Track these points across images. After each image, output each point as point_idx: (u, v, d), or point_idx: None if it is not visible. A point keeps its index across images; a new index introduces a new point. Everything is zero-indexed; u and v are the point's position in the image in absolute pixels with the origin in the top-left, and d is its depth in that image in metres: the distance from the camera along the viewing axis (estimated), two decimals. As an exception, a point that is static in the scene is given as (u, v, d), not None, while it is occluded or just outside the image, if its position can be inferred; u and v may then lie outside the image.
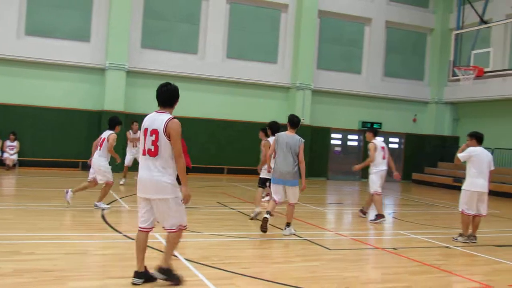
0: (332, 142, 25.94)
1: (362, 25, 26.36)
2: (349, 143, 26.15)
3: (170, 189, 5.78)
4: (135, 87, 21.60)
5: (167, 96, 5.94)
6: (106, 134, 11.46)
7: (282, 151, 9.52)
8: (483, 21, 19.95)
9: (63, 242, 7.92)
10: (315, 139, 24.63)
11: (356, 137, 26.08)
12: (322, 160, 25.23)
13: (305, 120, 23.98)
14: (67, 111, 20.88)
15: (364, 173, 22.18)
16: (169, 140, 5.75)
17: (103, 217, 10.23)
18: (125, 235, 8.61)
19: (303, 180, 9.56)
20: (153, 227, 6.03)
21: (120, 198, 13.10)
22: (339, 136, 26.08)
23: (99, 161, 11.35)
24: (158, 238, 8.15)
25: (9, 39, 20.04)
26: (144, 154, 5.90)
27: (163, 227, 5.98)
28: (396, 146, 27.38)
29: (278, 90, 24.49)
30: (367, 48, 26.42)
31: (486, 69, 18.24)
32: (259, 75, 23.84)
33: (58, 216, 10.14)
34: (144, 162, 5.89)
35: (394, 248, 9.06)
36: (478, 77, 18.60)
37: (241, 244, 8.77)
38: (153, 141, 5.80)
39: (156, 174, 5.78)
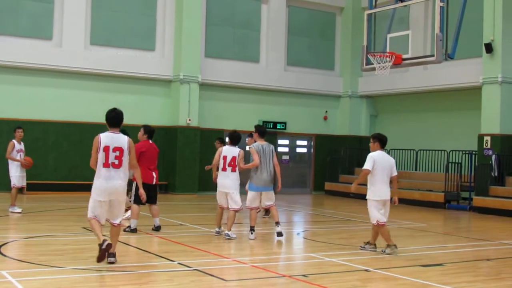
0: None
1: (258, 2, 26.79)
2: (247, 148, 26.32)
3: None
4: None
5: (120, 119, 9.38)
6: (232, 150, 13.05)
7: (266, 160, 12.79)
8: (399, -1, 20.80)
9: None
10: (206, 144, 24.50)
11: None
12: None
13: (193, 121, 24.02)
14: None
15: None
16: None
17: None
18: None
19: (279, 182, 12.82)
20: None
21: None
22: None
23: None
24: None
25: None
26: (106, 166, 9.10)
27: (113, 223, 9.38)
28: (304, 150, 27.97)
29: (157, 84, 24.40)
30: (265, 31, 26.88)
31: (404, 56, 19.03)
32: (132, 65, 23.64)
33: None
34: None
35: (304, 275, 9.20)
36: (396, 65, 19.34)
37: (116, 279, 8.65)
38: (117, 156, 9.12)
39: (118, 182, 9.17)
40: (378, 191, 11.29)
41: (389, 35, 20.09)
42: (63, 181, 22.27)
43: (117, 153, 9.13)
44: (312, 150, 28.24)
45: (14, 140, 16.02)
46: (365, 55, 20.37)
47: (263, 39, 26.88)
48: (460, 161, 23.28)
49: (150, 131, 13.45)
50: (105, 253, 9.03)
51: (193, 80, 24.22)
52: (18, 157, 15.97)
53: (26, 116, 21.94)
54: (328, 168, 27.85)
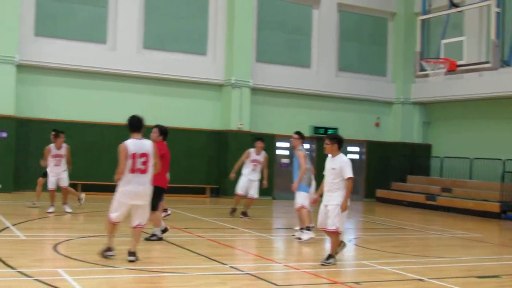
0: (278, 152, 26.09)
1: (309, 8, 26.74)
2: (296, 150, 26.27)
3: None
4: (24, 84, 21.47)
5: (142, 124, 9.81)
6: None
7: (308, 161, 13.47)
8: (453, 4, 20.54)
9: None
10: (255, 150, 24.69)
11: (306, 145, 26.36)
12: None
13: (244, 126, 24.10)
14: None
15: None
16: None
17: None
18: (20, 272, 8.44)
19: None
20: None
21: (13, 225, 12.84)
22: (286, 145, 26.25)
23: None
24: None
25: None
26: (133, 172, 9.54)
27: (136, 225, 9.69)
28: (356, 156, 27.79)
29: (209, 88, 24.54)
30: (317, 36, 26.81)
31: (459, 62, 18.79)
32: (184, 69, 23.83)
33: None
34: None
35: (356, 283, 9.15)
36: (450, 71, 19.12)
37: (169, 281, 8.75)
38: (143, 162, 9.55)
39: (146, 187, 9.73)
40: None
41: (443, 41, 19.89)
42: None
43: (143, 159, 9.58)
44: (363, 156, 28.04)
45: (51, 145, 16.01)
46: (418, 61, 20.19)
47: (314, 44, 26.82)
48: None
49: (165, 132, 12.67)
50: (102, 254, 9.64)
51: (244, 85, 24.29)
52: (54, 162, 15.88)
53: (80, 118, 22.29)
54: (379, 175, 27.61)
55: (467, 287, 9.30)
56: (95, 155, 22.42)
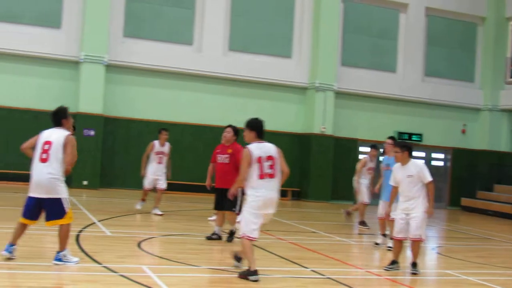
0: (361, 156, 25.81)
1: (396, 11, 26.45)
2: (381, 158, 25.98)
3: None
4: (112, 83, 22.09)
5: (264, 128, 9.19)
6: None
7: None
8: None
9: (31, 274, 7.94)
10: (339, 153, 24.58)
11: (389, 151, 26.04)
12: (348, 179, 25.07)
13: (327, 129, 23.99)
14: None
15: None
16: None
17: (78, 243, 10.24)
18: (105, 267, 8.61)
19: None
20: None
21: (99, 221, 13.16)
22: (369, 149, 25.97)
23: None
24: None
25: None
26: (262, 178, 8.75)
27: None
28: (440, 163, 27.29)
29: (293, 90, 24.57)
30: (403, 40, 26.49)
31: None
32: (268, 72, 23.92)
33: (24, 241, 10.12)
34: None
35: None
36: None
37: (250, 282, 8.75)
38: (270, 165, 8.82)
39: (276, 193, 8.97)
40: None
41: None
42: (198, 183, 22.83)
43: (270, 162, 8.85)
44: (448, 163, 27.47)
45: (155, 141, 15.76)
46: (509, 68, 19.68)
47: (400, 49, 26.48)
48: None
49: (238, 132, 12.10)
50: (246, 278, 8.58)
51: (328, 88, 24.20)
52: (156, 160, 15.61)
53: (164, 118, 22.63)
54: (465, 183, 26.99)
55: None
56: (177, 155, 22.65)
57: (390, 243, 11.85)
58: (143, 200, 15.83)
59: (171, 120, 22.75)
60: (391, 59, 26.44)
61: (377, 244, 12.94)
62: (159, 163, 15.62)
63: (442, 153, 27.48)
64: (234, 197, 9.95)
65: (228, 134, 12.17)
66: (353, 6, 25.65)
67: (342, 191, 24.75)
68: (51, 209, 8.50)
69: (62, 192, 8.55)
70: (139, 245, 10.65)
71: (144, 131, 22.03)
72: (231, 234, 11.87)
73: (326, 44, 24.35)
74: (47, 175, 8.48)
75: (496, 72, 26.87)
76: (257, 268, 8.50)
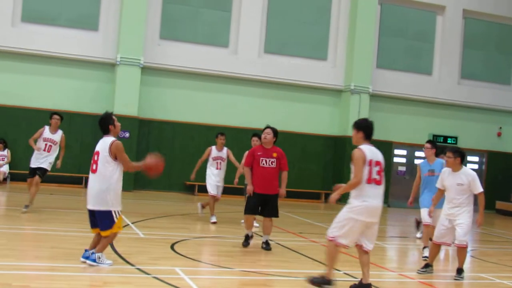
0: (395, 160, 25.72)
1: (433, 14, 26.26)
2: (416, 161, 25.86)
3: None
4: (147, 85, 22.23)
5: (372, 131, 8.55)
6: None
7: None
8: None
9: (63, 275, 8.03)
10: (373, 156, 24.47)
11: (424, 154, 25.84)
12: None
13: (361, 131, 23.88)
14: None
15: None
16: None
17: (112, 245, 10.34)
18: (138, 269, 8.69)
19: None
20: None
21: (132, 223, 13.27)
22: (404, 152, 25.88)
23: None
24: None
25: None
26: (369, 182, 8.14)
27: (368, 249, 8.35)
28: (475, 166, 27.04)
29: (328, 93, 24.52)
30: (440, 43, 26.27)
31: None
32: (304, 74, 23.92)
33: (57, 243, 10.28)
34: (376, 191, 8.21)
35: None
36: None
37: (283, 285, 8.78)
38: (378, 171, 8.22)
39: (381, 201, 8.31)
40: None
41: None
42: (228, 185, 22.90)
43: (378, 168, 8.27)
44: (483, 166, 27.18)
45: (212, 146, 15.08)
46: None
47: (436, 51, 26.28)
48: None
49: (277, 134, 11.64)
50: (320, 286, 8.21)
51: (363, 91, 24.10)
52: (215, 165, 14.97)
53: (199, 120, 22.79)
54: (500, 186, 26.68)
55: None
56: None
57: (426, 252, 11.52)
58: (204, 206, 15.39)
59: (206, 122, 22.87)
60: (427, 62, 26.25)
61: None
62: (218, 168, 14.95)
63: (477, 156, 27.21)
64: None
65: (268, 136, 11.40)
66: (389, 8, 25.52)
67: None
68: (100, 220, 8.56)
69: (110, 204, 8.56)
70: (172, 247, 10.71)
71: (178, 133, 22.22)
72: (265, 243, 11.41)
73: (361, 46, 24.27)
74: (95, 187, 8.55)
75: (535, 74, 26.56)
76: (331, 279, 8.12)
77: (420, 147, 25.36)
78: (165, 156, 21.20)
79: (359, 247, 8.43)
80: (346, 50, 24.58)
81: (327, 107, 24.60)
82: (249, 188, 11.26)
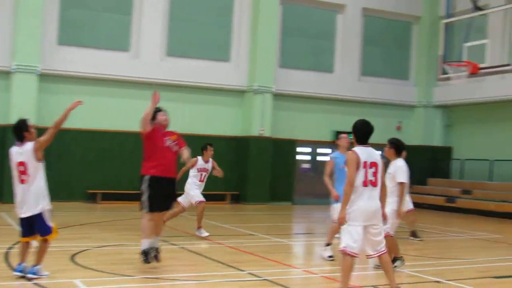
0: (299, 157, 26.02)
1: (334, 13, 26.66)
2: (319, 158, 26.27)
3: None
4: (46, 93, 21.47)
5: (371, 134, 8.40)
6: None
7: None
8: (477, 8, 20.42)
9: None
10: (278, 154, 24.66)
11: (328, 150, 26.22)
12: (286, 180, 25.28)
13: (265, 131, 24.04)
14: None
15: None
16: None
17: (7, 260, 10.02)
18: (36, 284, 8.46)
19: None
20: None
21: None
22: (308, 150, 26.20)
23: None
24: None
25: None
26: (366, 185, 7.94)
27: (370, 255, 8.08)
28: (378, 160, 27.65)
29: (231, 94, 24.51)
30: (340, 41, 26.70)
31: (481, 65, 18.64)
32: (207, 76, 23.83)
33: None
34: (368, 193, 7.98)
35: (374, 286, 9.20)
36: (473, 74, 19.01)
37: (181, 287, 8.77)
38: (374, 173, 8.02)
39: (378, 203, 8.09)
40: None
41: (466, 44, 19.78)
42: (137, 191, 22.59)
43: (374, 169, 8.06)
44: (384, 159, 27.79)
45: (199, 157, 14.25)
46: (441, 65, 20.07)
47: (337, 49, 26.72)
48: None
49: None
50: None
51: (267, 91, 24.24)
52: (198, 176, 14.18)
53: (101, 127, 22.24)
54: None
55: (484, 287, 9.28)
56: (116, 164, 22.42)
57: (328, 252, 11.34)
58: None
59: (108, 129, 22.33)
60: (329, 60, 26.65)
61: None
62: (201, 181, 14.23)
63: (380, 150, 27.72)
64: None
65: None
66: (291, 8, 25.73)
67: (281, 192, 24.95)
68: (39, 225, 8.70)
69: (45, 204, 8.73)
70: (72, 258, 10.43)
71: (78, 141, 21.60)
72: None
73: (264, 47, 24.38)
74: (29, 195, 8.58)
75: (429, 69, 27.25)
76: None
77: (323, 144, 25.90)
78: (65, 165, 20.78)
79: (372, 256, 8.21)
80: (249, 51, 24.65)
81: (230, 108, 24.61)
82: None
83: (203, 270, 10.00)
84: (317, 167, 26.03)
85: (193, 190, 13.96)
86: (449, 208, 23.45)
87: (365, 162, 7.99)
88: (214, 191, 23.72)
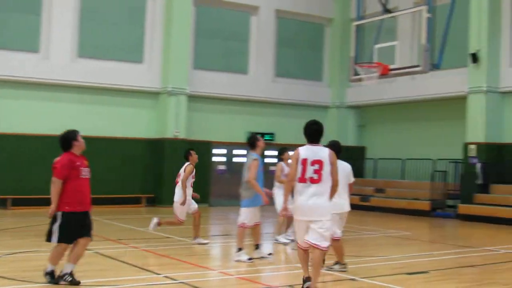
0: (214, 159, 26.01)
1: (247, 14, 26.81)
2: (235, 159, 26.31)
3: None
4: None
5: (319, 133, 8.64)
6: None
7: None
8: (386, 10, 20.88)
9: None
10: (193, 157, 24.59)
11: (243, 151, 26.29)
12: (202, 182, 25.17)
13: (180, 133, 23.92)
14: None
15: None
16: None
17: None
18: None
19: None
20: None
21: None
22: (223, 151, 26.22)
23: None
24: None
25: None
26: (302, 181, 8.23)
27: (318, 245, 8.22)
28: (290, 161, 27.87)
29: (145, 96, 24.30)
30: (254, 42, 26.88)
31: (391, 66, 19.07)
32: (120, 78, 23.53)
33: None
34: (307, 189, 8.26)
35: (290, 286, 9.23)
36: (383, 75, 19.42)
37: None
38: (316, 170, 8.23)
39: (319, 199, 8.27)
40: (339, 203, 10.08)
41: (376, 46, 20.20)
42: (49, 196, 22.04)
43: (317, 167, 8.29)
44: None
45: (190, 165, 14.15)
46: (352, 66, 20.43)
47: (252, 51, 26.87)
48: (446, 169, 23.44)
49: None
50: None
51: (181, 92, 24.12)
52: (190, 184, 14.18)
53: (10, 130, 21.63)
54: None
55: (397, 284, 9.45)
56: (27, 168, 21.79)
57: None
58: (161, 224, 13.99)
59: (17, 132, 21.73)
60: (243, 61, 26.78)
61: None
62: (192, 186, 14.25)
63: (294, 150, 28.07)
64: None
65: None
66: (204, 10, 25.72)
67: (197, 193, 24.75)
68: None
69: None
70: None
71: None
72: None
73: (177, 48, 24.27)
74: None
75: (342, 70, 27.73)
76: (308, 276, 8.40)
77: (238, 145, 25.93)
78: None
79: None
80: (162, 52, 24.47)
81: (145, 110, 24.35)
82: None
83: (118, 275, 9.83)
84: (233, 168, 26.08)
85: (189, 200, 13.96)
86: (363, 206, 23.88)
87: (304, 159, 8.30)
88: (130, 194, 23.52)
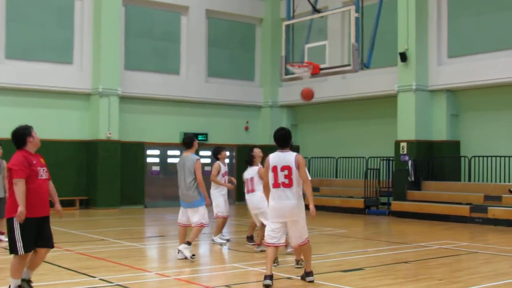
0: (148, 160, 25.88)
1: (177, 14, 26.74)
2: (169, 160, 26.22)
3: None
4: None
5: (286, 138, 9.25)
6: None
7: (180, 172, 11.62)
8: (316, 10, 21.13)
9: None
10: (127, 158, 24.43)
11: (177, 152, 26.28)
12: (137, 183, 25.07)
13: (113, 134, 23.71)
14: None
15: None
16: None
17: None
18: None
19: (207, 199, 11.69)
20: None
21: None
22: (157, 152, 26.11)
23: None
24: None
25: None
26: (275, 186, 9.01)
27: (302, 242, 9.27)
28: (226, 160, 27.98)
29: (76, 97, 23.98)
30: (186, 43, 26.84)
31: (322, 66, 19.32)
32: (49, 79, 23.15)
33: None
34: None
35: (227, 286, 9.27)
36: (314, 74, 19.63)
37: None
38: (286, 175, 8.93)
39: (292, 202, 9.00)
40: None
41: (306, 46, 20.38)
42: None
43: (286, 172, 9.03)
44: (234, 160, 28.25)
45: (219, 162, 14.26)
46: (283, 66, 20.59)
47: (183, 51, 26.82)
48: (378, 167, 23.85)
49: None
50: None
51: (112, 93, 23.90)
52: (223, 181, 14.17)
53: None
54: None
55: (333, 281, 9.59)
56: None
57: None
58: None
59: None
60: (175, 62, 26.70)
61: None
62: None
63: (228, 150, 28.17)
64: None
65: None
66: (134, 9, 25.53)
67: (132, 196, 24.69)
68: None
69: None
70: None
71: None
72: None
73: (108, 49, 24.01)
74: None
75: (274, 70, 27.79)
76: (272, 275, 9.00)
77: (172, 146, 25.87)
78: None
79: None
80: (92, 53, 24.20)
81: (76, 111, 24.01)
82: None
83: (52, 278, 9.69)
84: (167, 169, 26.02)
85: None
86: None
87: (274, 167, 9.02)
88: (63, 196, 23.10)
